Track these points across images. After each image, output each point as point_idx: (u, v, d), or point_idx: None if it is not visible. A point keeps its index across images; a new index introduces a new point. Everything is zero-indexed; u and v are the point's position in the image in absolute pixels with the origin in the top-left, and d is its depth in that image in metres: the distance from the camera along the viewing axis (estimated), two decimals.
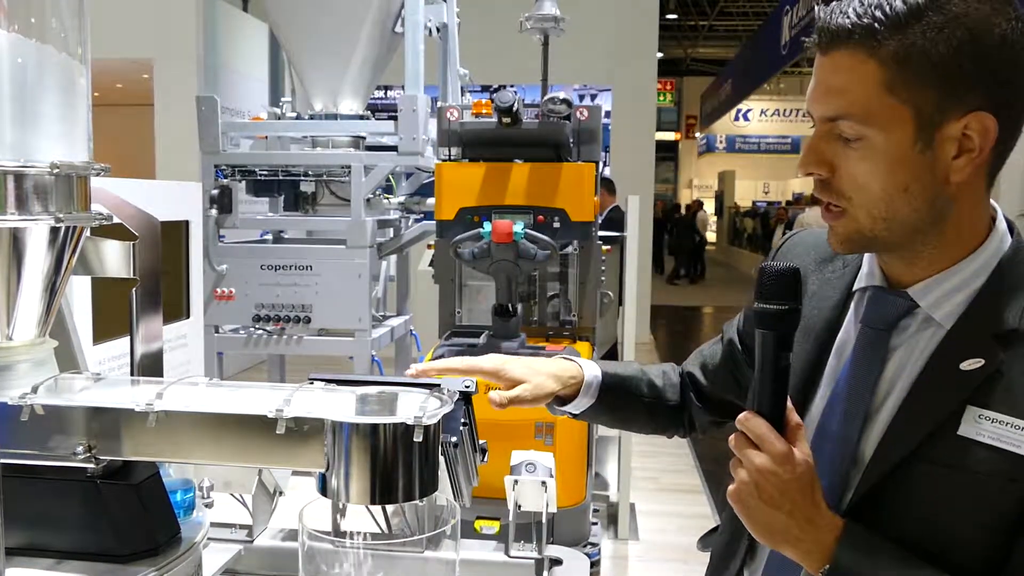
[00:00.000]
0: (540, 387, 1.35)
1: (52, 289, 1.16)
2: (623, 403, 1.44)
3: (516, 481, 1.60)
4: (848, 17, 0.97)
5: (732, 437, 1.03)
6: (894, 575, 0.99)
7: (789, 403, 1.03)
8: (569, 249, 3.63)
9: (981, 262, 1.04)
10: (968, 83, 0.96)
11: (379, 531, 1.39)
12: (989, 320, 1.01)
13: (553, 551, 1.60)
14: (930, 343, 1.05)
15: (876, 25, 0.95)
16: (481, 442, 1.44)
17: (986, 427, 0.97)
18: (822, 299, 1.19)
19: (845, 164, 1.01)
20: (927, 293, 1.05)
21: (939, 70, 0.95)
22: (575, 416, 1.43)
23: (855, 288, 1.15)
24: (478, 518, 2.94)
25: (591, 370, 1.41)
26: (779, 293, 1.01)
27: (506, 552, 1.58)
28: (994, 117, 0.97)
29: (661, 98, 23.55)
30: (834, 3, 1.00)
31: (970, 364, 0.99)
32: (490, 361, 1.34)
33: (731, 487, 1.02)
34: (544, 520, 1.57)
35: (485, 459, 1.45)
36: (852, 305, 1.15)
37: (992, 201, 1.08)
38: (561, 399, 1.40)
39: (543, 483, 1.59)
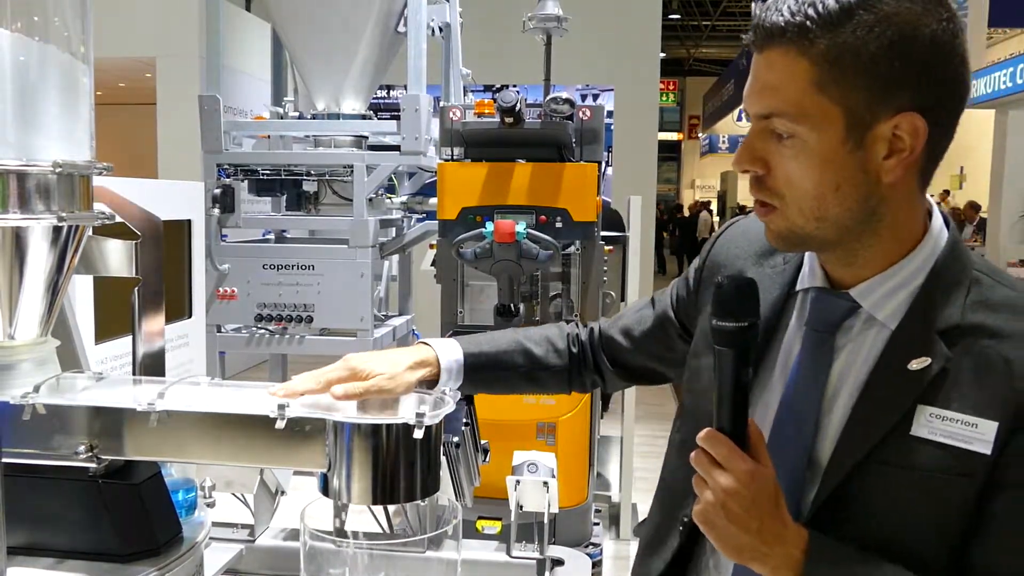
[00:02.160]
0: (397, 377, 1.27)
1: (54, 288, 1.16)
2: (495, 377, 1.42)
3: (518, 481, 1.60)
4: (782, 15, 0.97)
5: (694, 455, 1.02)
6: None
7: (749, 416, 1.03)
8: (571, 249, 3.62)
9: (920, 261, 1.05)
10: (898, 83, 0.96)
11: (381, 531, 1.39)
12: (932, 318, 1.02)
13: (555, 551, 1.60)
14: (875, 342, 1.05)
15: (808, 23, 0.96)
16: (483, 442, 1.44)
17: (937, 425, 0.98)
18: (763, 292, 1.16)
19: (779, 162, 1.01)
20: (868, 294, 1.06)
21: (869, 69, 0.95)
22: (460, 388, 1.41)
23: (798, 288, 1.15)
24: (480, 518, 2.94)
25: (450, 355, 1.36)
26: (737, 310, 1.00)
27: (508, 552, 1.58)
28: (923, 118, 0.97)
29: (664, 98, 23.52)
30: (770, 1, 1.01)
31: (918, 364, 1.00)
32: (341, 369, 1.27)
33: (697, 508, 1.01)
34: (546, 520, 1.57)
35: (487, 459, 1.45)
36: (796, 306, 1.15)
37: (928, 196, 1.08)
38: (429, 383, 1.35)
39: (545, 483, 1.59)
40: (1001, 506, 0.97)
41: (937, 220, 1.08)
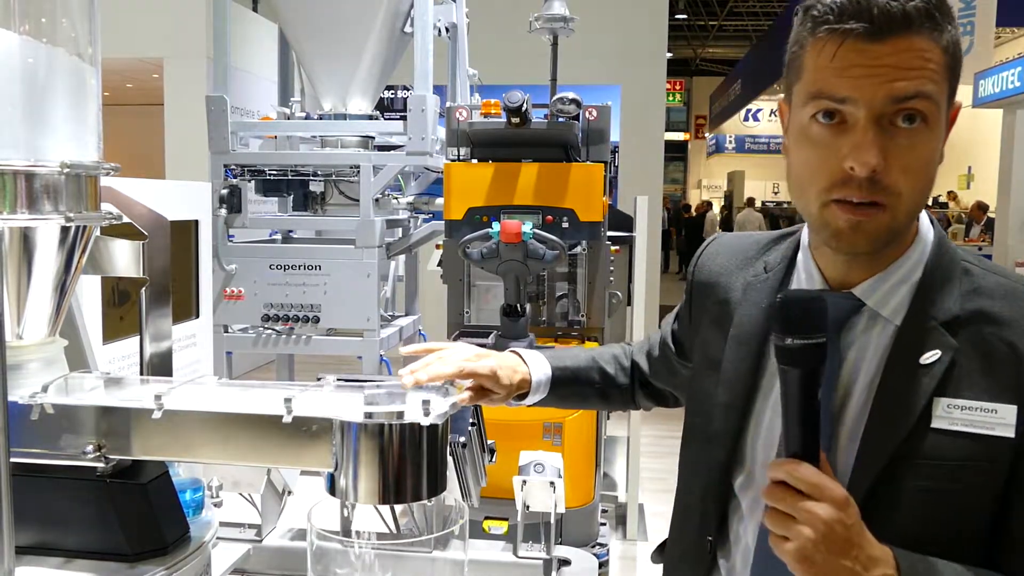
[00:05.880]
0: (510, 391, 1.36)
1: (62, 288, 1.16)
2: (574, 392, 1.48)
3: (524, 481, 1.59)
4: (903, 2, 0.96)
5: (769, 491, 0.97)
6: None
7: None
8: (578, 249, 3.62)
9: (916, 256, 1.08)
10: (959, 72, 1.02)
11: (387, 531, 1.39)
12: (933, 310, 1.04)
13: (561, 551, 1.60)
14: (882, 338, 1.07)
15: (935, 13, 0.97)
16: (489, 442, 1.44)
17: (956, 415, 1.00)
18: (751, 304, 1.20)
19: (895, 155, 0.98)
20: (872, 291, 1.08)
21: (958, 58, 1.00)
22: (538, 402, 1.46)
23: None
24: (486, 518, 2.94)
25: (541, 370, 1.42)
26: (809, 326, 0.96)
27: (514, 552, 1.58)
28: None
29: (670, 98, 23.48)
30: None
31: (928, 357, 1.02)
32: (486, 367, 1.31)
33: (792, 546, 0.95)
34: (552, 520, 1.56)
35: (493, 459, 1.45)
36: None
37: None
38: (519, 396, 1.42)
39: (551, 483, 1.59)
40: None
41: (924, 217, 1.10)
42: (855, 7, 0.97)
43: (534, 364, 1.41)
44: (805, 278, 1.15)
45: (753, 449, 1.16)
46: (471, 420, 1.37)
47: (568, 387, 1.45)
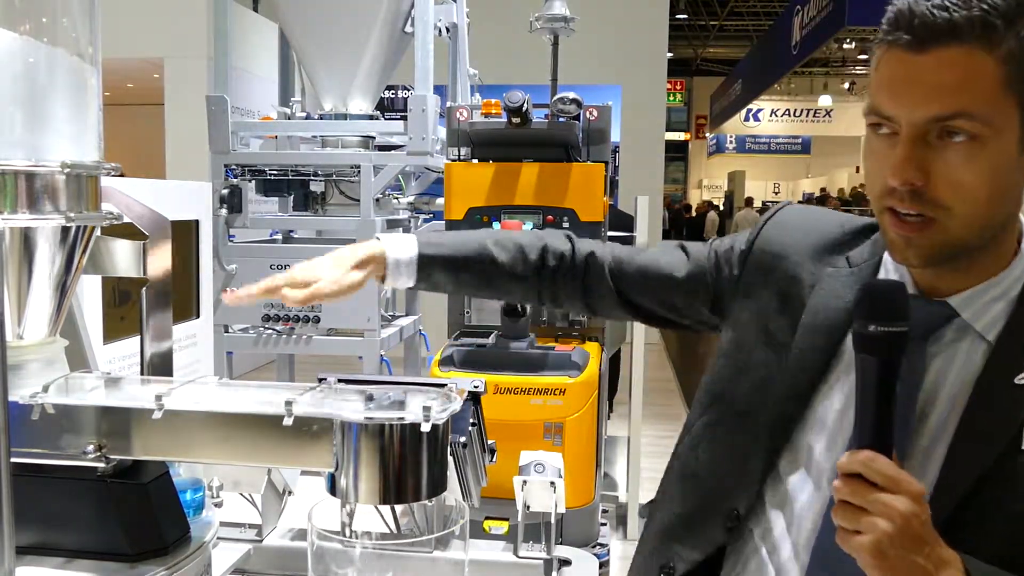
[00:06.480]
0: (342, 280, 1.30)
1: (62, 288, 1.16)
2: (449, 279, 1.38)
3: (525, 481, 1.59)
4: (958, 10, 0.91)
5: (841, 484, 0.92)
6: None
7: None
8: None
9: (1018, 272, 1.03)
10: None
11: (388, 531, 1.39)
12: None
13: (562, 552, 1.60)
14: (971, 354, 1.02)
15: (993, 20, 0.91)
16: (490, 442, 1.44)
17: None
18: (829, 296, 1.15)
19: (943, 169, 0.95)
20: (970, 304, 1.03)
21: None
22: (412, 288, 1.37)
23: None
24: (487, 518, 2.94)
25: (401, 251, 1.33)
26: (893, 313, 0.92)
27: (515, 552, 1.58)
28: None
29: (671, 98, 23.45)
30: None
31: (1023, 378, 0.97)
32: (283, 279, 1.33)
33: (866, 539, 0.89)
34: (553, 520, 1.56)
35: (494, 459, 1.45)
36: None
37: None
38: (380, 279, 1.35)
39: (552, 483, 1.59)
40: None
41: None
42: (904, 17, 0.94)
43: (395, 246, 1.33)
44: (896, 279, 1.10)
45: (809, 443, 1.12)
46: (471, 420, 1.37)
47: (441, 273, 1.36)
